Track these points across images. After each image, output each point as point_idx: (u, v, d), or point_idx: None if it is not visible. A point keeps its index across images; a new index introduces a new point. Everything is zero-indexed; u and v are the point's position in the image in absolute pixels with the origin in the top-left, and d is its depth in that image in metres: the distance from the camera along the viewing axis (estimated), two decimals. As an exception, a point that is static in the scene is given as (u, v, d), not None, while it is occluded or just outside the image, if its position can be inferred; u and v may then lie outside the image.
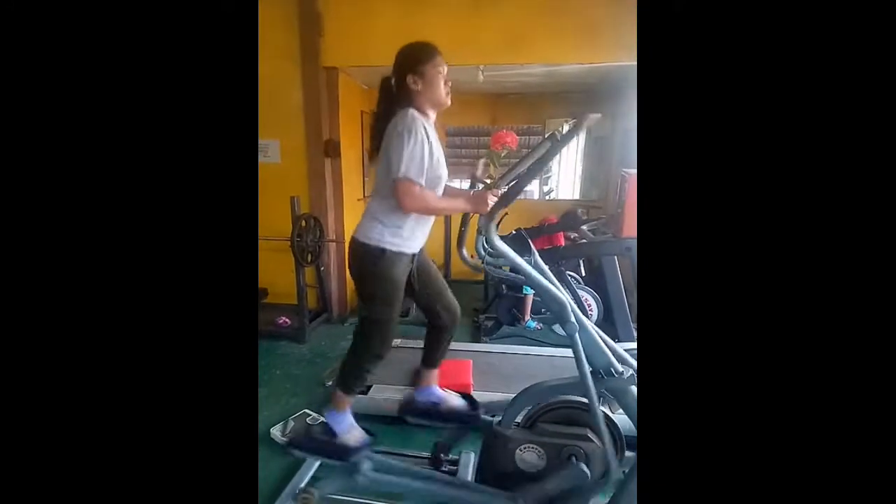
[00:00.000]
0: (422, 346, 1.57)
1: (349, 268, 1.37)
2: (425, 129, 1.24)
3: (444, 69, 1.30)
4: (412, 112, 1.25)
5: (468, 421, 1.50)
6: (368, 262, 1.30)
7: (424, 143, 1.23)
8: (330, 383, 2.26)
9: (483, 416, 1.48)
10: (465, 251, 1.56)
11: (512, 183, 1.37)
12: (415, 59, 1.27)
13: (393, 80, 1.31)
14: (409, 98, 1.28)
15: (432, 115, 1.34)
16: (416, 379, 1.63)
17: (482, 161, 1.50)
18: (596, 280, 2.88)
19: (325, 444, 1.39)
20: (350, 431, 1.40)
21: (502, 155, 1.40)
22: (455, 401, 1.55)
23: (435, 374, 1.56)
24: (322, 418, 1.89)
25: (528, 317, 2.78)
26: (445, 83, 1.30)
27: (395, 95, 1.30)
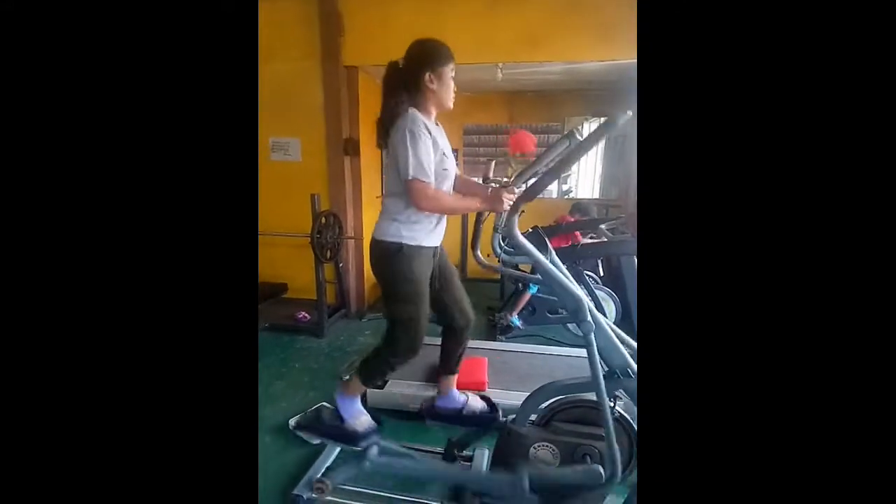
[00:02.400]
0: (437, 342, 1.58)
1: (372, 268, 1.38)
2: (427, 127, 1.26)
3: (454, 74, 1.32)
4: (413, 112, 1.26)
5: (488, 423, 1.51)
6: (387, 259, 1.31)
7: (427, 141, 1.24)
8: (347, 378, 2.29)
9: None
10: (479, 252, 1.56)
11: (533, 179, 1.37)
12: (436, 57, 1.28)
13: (405, 70, 1.30)
14: (419, 92, 1.29)
15: (434, 112, 1.35)
16: (433, 378, 1.65)
17: (493, 162, 1.50)
18: (614, 280, 2.85)
19: (333, 428, 1.42)
20: (357, 417, 1.43)
21: (518, 157, 1.41)
22: (477, 404, 1.56)
23: (454, 380, 1.58)
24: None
25: (515, 313, 2.79)
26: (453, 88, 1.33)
27: (403, 84, 1.29)
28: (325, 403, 2.02)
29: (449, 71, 1.29)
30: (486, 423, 1.52)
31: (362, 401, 1.52)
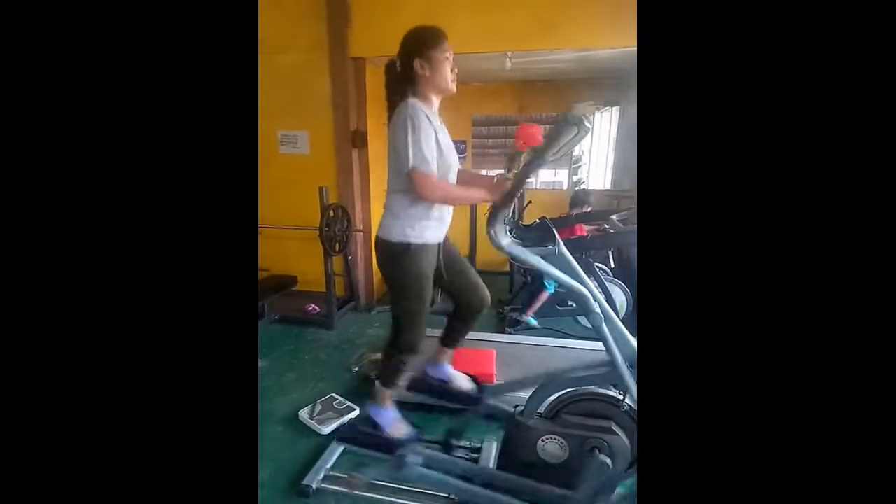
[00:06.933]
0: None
1: (379, 267, 1.37)
2: (428, 117, 1.23)
3: (451, 55, 1.28)
4: (412, 102, 1.24)
5: (472, 404, 1.50)
6: (395, 258, 1.30)
7: (429, 131, 1.21)
8: (356, 369, 2.31)
9: (505, 407, 1.48)
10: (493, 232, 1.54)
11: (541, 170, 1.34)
12: (423, 43, 1.25)
13: (398, 64, 1.29)
14: (414, 83, 1.27)
15: (436, 101, 1.32)
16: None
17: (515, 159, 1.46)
18: (625, 272, 2.81)
19: (373, 438, 1.42)
20: (394, 425, 1.43)
21: (524, 155, 1.36)
22: (463, 382, 1.55)
23: (450, 354, 1.57)
24: (348, 403, 1.95)
25: (530, 313, 2.74)
26: (452, 70, 1.28)
27: (400, 79, 1.28)
28: (334, 395, 2.04)
29: (440, 54, 1.25)
30: (469, 403, 1.50)
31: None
